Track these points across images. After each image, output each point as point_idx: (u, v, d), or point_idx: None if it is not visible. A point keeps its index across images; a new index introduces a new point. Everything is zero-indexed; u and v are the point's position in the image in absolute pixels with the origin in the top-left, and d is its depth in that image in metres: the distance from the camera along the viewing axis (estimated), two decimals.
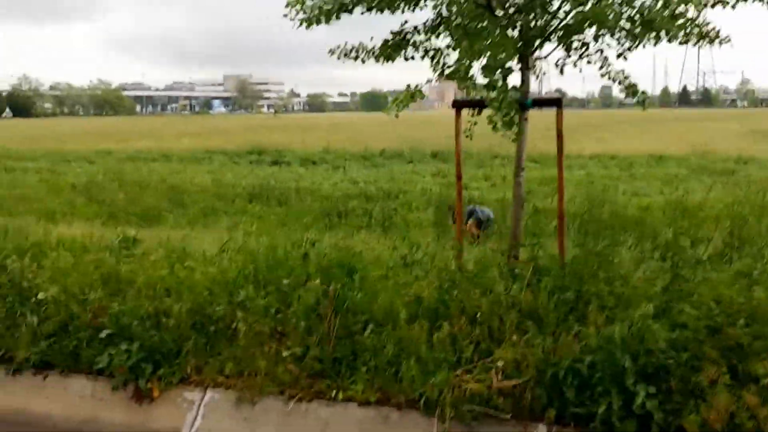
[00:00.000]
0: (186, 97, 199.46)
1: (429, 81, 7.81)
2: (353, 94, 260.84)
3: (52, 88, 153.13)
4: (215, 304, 6.30)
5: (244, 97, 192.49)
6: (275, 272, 6.48)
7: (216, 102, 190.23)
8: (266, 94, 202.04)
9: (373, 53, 7.43)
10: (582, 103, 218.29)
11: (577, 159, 21.96)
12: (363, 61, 7.63)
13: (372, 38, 7.39)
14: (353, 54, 7.53)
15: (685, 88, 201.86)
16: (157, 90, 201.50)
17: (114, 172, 19.25)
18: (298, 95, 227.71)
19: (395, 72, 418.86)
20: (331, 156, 27.21)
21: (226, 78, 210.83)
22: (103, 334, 6.23)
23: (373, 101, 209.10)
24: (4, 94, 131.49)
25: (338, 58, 7.59)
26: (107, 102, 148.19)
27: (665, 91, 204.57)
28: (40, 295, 6.57)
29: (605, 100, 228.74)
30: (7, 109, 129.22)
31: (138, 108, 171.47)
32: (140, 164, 23.40)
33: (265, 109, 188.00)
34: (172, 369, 6.07)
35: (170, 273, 6.58)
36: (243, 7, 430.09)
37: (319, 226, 11.29)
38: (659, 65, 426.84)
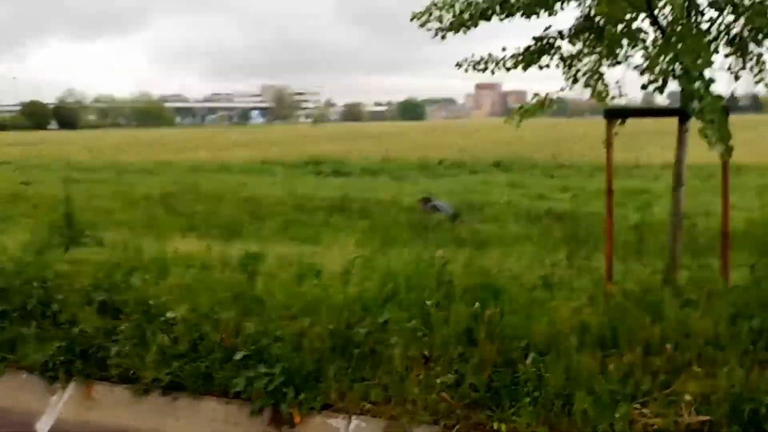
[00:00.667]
0: (224, 108, 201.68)
1: (562, 89, 7.48)
2: (389, 103, 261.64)
3: (96, 100, 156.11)
4: (357, 325, 6.00)
5: (281, 107, 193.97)
6: (415, 292, 6.15)
7: (254, 112, 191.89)
8: (303, 104, 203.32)
9: (504, 63, 7.11)
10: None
11: (650, 169, 21.40)
12: (492, 72, 7.30)
13: (504, 48, 7.09)
14: (481, 66, 7.22)
15: (732, 94, 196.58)
16: (196, 101, 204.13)
17: (184, 183, 19.22)
18: (334, 105, 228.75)
19: (427, 81, 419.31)
20: (391, 166, 26.97)
21: (264, 89, 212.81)
22: (238, 356, 5.96)
23: (410, 110, 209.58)
24: (50, 107, 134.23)
25: (465, 71, 7.30)
26: (149, 113, 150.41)
27: None
28: (169, 314, 6.34)
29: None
30: (53, 122, 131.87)
31: (178, 119, 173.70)
32: (204, 176, 23.39)
33: (302, 119, 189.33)
34: (314, 394, 5.78)
35: (303, 292, 6.31)
36: (280, 19, 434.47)
37: (411, 240, 10.96)
38: None
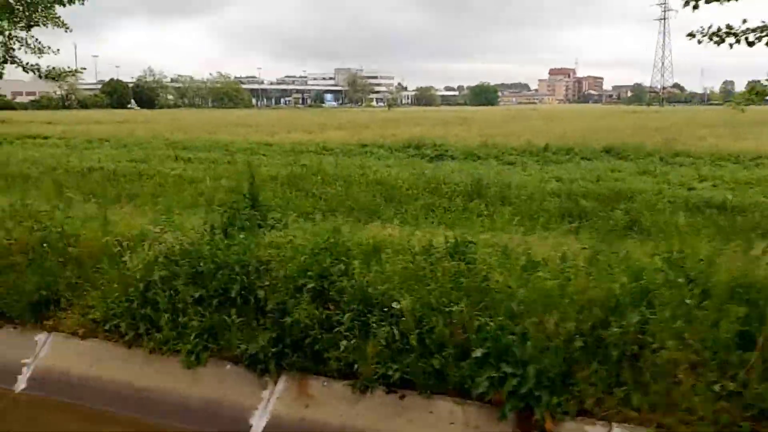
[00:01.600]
0: (297, 91, 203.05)
1: None
2: (460, 88, 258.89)
3: (173, 80, 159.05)
4: (606, 324, 5.50)
5: (354, 90, 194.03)
6: (667, 289, 5.60)
7: (327, 96, 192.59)
8: (376, 88, 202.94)
9: (745, 37, 6.45)
10: (702, 99, 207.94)
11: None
12: (730, 46, 6.65)
13: (744, 20, 6.45)
14: (717, 38, 6.58)
15: None
16: (270, 83, 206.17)
17: (300, 165, 19.02)
18: (405, 88, 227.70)
19: (496, 66, 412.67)
20: (496, 151, 26.17)
21: (337, 71, 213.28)
22: (477, 353, 5.54)
23: (482, 94, 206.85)
24: (130, 86, 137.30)
25: (699, 42, 6.65)
26: (226, 94, 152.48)
27: None
28: (394, 305, 5.97)
29: (726, 96, 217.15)
30: (132, 101, 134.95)
31: (254, 101, 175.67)
32: (311, 157, 23.14)
33: (374, 103, 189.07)
34: (567, 398, 5.32)
35: (539, 285, 5.83)
36: (352, 3, 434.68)
37: (564, 229, 10.39)
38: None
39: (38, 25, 10.22)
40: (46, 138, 30.86)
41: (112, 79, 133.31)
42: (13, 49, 9.83)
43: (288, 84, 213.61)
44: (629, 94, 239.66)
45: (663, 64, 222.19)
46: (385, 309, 6.01)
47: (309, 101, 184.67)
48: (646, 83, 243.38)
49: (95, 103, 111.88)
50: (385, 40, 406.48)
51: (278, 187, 15.47)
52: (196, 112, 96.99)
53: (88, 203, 10.80)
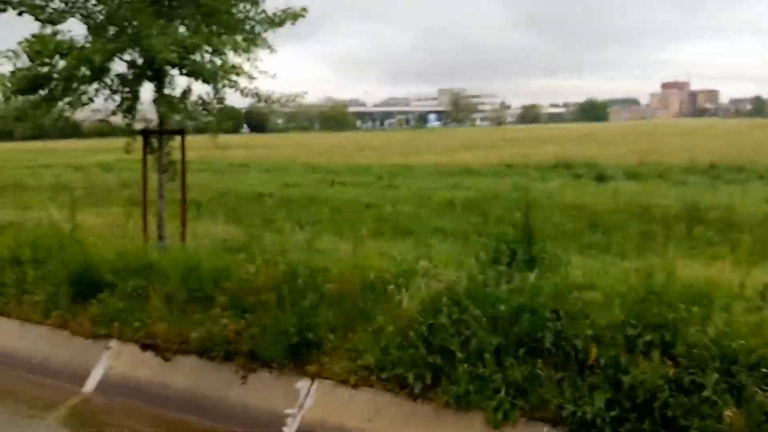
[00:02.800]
0: (401, 112, 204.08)
1: None
2: (566, 105, 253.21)
3: (283, 105, 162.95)
4: None
5: (458, 110, 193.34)
6: None
7: (431, 116, 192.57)
8: (480, 107, 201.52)
9: None
10: None
11: None
12: None
13: None
14: None
15: None
16: (374, 105, 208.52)
17: (464, 187, 18.22)
18: (509, 107, 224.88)
19: (603, 82, 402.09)
20: (658, 170, 24.51)
21: (441, 92, 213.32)
22: None
23: (590, 111, 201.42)
24: (243, 111, 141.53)
25: None
26: (333, 118, 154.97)
27: None
28: None
29: None
30: (245, 125, 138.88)
31: (358, 123, 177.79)
32: (459, 179, 22.29)
33: (478, 122, 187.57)
34: None
35: None
36: (452, 25, 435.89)
37: None
38: None
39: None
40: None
41: (226, 106, 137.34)
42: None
43: (391, 105, 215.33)
44: (748, 107, 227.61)
45: None
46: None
47: (412, 122, 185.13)
48: (764, 95, 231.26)
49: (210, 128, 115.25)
50: (488, 59, 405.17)
51: (457, 212, 14.69)
52: (309, 136, 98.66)
53: (294, 231, 10.24)
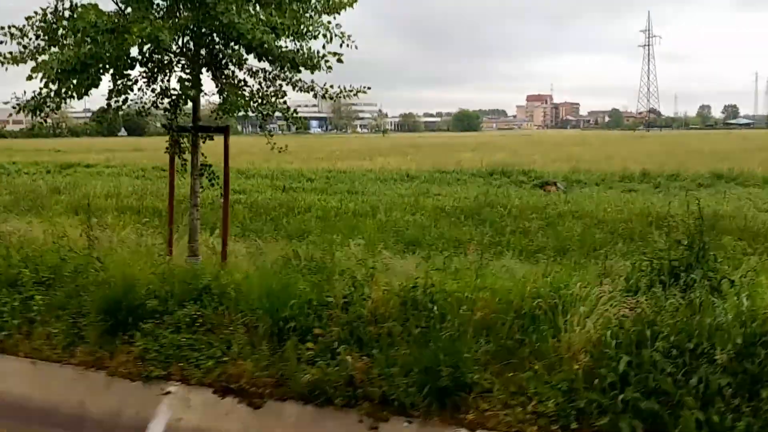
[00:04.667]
0: (278, 118, 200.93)
1: None
2: (439, 114, 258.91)
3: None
4: None
5: (339, 117, 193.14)
6: None
7: (313, 122, 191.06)
8: (360, 115, 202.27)
9: None
10: (681, 123, 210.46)
11: None
12: None
13: None
14: None
15: None
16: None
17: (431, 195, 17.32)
18: (386, 115, 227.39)
19: (477, 93, 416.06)
20: (595, 177, 24.80)
21: (321, 99, 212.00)
22: None
23: (464, 120, 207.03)
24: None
25: None
26: None
27: None
28: None
29: (706, 120, 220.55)
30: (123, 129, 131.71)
31: (239, 128, 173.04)
32: (407, 185, 21.45)
33: (359, 129, 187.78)
34: None
35: None
36: None
37: None
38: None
39: None
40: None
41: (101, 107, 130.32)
42: None
43: None
44: (606, 119, 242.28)
45: (648, 89, 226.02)
46: None
47: (293, 128, 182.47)
48: (621, 108, 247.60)
49: (85, 131, 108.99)
50: (365, 69, 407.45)
51: (458, 221, 13.80)
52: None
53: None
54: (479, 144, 63.47)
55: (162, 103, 8.38)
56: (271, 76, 8.53)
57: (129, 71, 7.80)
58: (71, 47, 7.28)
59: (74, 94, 7.56)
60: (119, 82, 7.85)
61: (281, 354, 6.33)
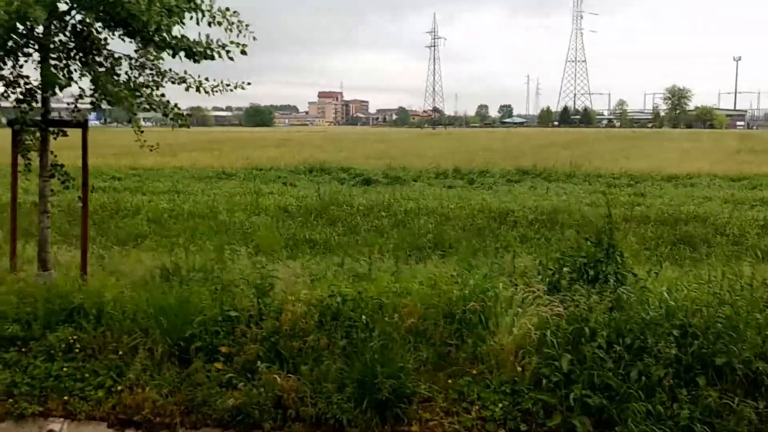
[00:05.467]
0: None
1: None
2: (229, 108, 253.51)
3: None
4: None
5: (120, 109, 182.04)
6: None
7: (90, 115, 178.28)
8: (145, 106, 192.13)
9: None
10: (462, 122, 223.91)
11: None
12: None
13: None
14: None
15: (565, 109, 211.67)
16: None
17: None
18: (176, 106, 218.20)
19: (269, 88, 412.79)
20: (411, 174, 25.39)
21: None
22: None
23: (257, 116, 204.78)
24: None
25: None
26: None
27: (547, 111, 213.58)
28: None
29: (484, 119, 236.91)
30: None
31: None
32: (226, 182, 20.54)
33: (143, 122, 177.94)
34: None
35: None
36: None
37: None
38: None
39: None
40: None
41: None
42: None
43: None
44: (394, 117, 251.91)
45: (434, 89, 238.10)
46: None
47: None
48: (407, 106, 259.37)
49: None
50: None
51: (312, 220, 13.32)
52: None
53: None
54: (280, 140, 62.86)
55: (13, 93, 7.10)
56: (137, 64, 7.54)
57: None
58: None
59: None
60: None
61: (188, 378, 5.58)
